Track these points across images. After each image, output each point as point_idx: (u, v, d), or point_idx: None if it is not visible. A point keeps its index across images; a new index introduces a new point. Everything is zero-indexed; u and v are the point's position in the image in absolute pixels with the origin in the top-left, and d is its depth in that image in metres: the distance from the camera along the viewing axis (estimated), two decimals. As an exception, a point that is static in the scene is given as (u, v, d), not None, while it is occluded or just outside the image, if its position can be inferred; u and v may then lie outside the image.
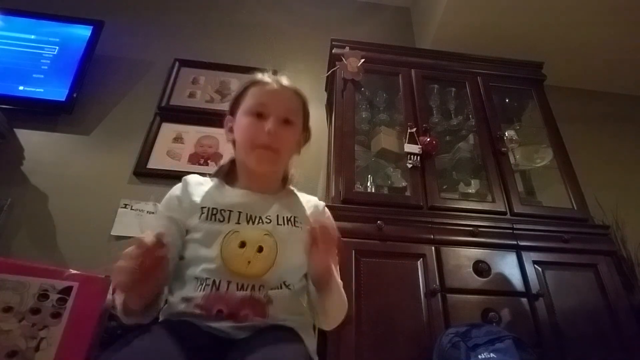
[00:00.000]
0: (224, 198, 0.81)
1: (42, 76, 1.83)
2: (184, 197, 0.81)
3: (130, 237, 1.56)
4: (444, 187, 1.71)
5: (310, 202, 0.92)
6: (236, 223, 0.76)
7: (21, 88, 1.79)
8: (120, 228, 1.58)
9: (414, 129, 1.60)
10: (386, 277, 1.24)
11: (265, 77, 0.87)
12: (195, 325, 0.68)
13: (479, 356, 0.96)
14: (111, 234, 1.56)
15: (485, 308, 1.24)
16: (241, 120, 0.83)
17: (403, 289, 1.23)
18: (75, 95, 1.80)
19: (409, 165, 1.51)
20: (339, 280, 0.80)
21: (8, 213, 1.56)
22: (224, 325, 0.68)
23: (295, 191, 0.94)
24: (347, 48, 1.76)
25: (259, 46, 2.22)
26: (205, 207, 0.77)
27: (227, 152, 1.78)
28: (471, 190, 1.72)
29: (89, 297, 0.93)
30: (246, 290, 0.71)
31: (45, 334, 0.88)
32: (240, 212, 0.78)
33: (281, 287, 0.75)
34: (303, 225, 0.83)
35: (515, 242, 1.39)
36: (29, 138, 1.76)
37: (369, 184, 1.63)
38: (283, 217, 0.81)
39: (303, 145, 0.93)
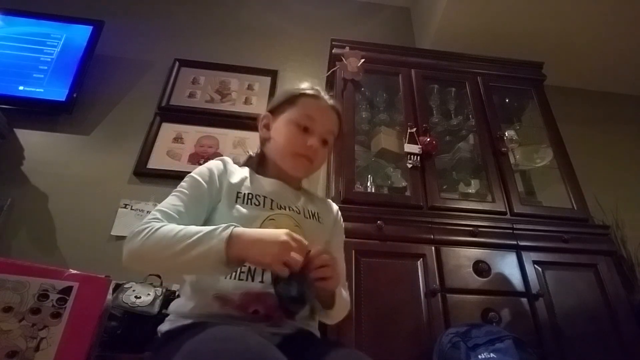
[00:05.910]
0: (257, 185, 0.84)
1: (42, 76, 1.83)
2: (222, 174, 0.83)
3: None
4: (444, 187, 1.71)
5: (325, 201, 0.98)
6: (270, 209, 0.79)
7: (21, 88, 1.79)
8: (120, 228, 1.58)
9: (414, 129, 1.60)
10: (386, 277, 1.24)
11: (320, 92, 0.90)
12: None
13: (479, 356, 0.97)
14: (111, 234, 1.56)
15: (485, 308, 1.24)
16: (286, 126, 0.86)
17: (403, 289, 1.23)
18: (75, 95, 1.80)
19: (409, 165, 1.51)
20: (344, 289, 0.82)
21: (8, 213, 1.56)
22: (264, 331, 0.68)
23: (308, 190, 0.98)
24: (347, 48, 1.76)
25: (259, 46, 2.22)
26: (241, 193, 0.80)
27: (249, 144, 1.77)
28: (471, 190, 1.72)
29: (89, 297, 0.93)
30: None
31: (45, 334, 0.88)
32: (272, 200, 0.80)
33: None
34: (324, 223, 0.88)
35: (515, 242, 1.38)
36: (29, 138, 1.76)
37: (369, 184, 1.62)
38: (308, 211, 0.85)
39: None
